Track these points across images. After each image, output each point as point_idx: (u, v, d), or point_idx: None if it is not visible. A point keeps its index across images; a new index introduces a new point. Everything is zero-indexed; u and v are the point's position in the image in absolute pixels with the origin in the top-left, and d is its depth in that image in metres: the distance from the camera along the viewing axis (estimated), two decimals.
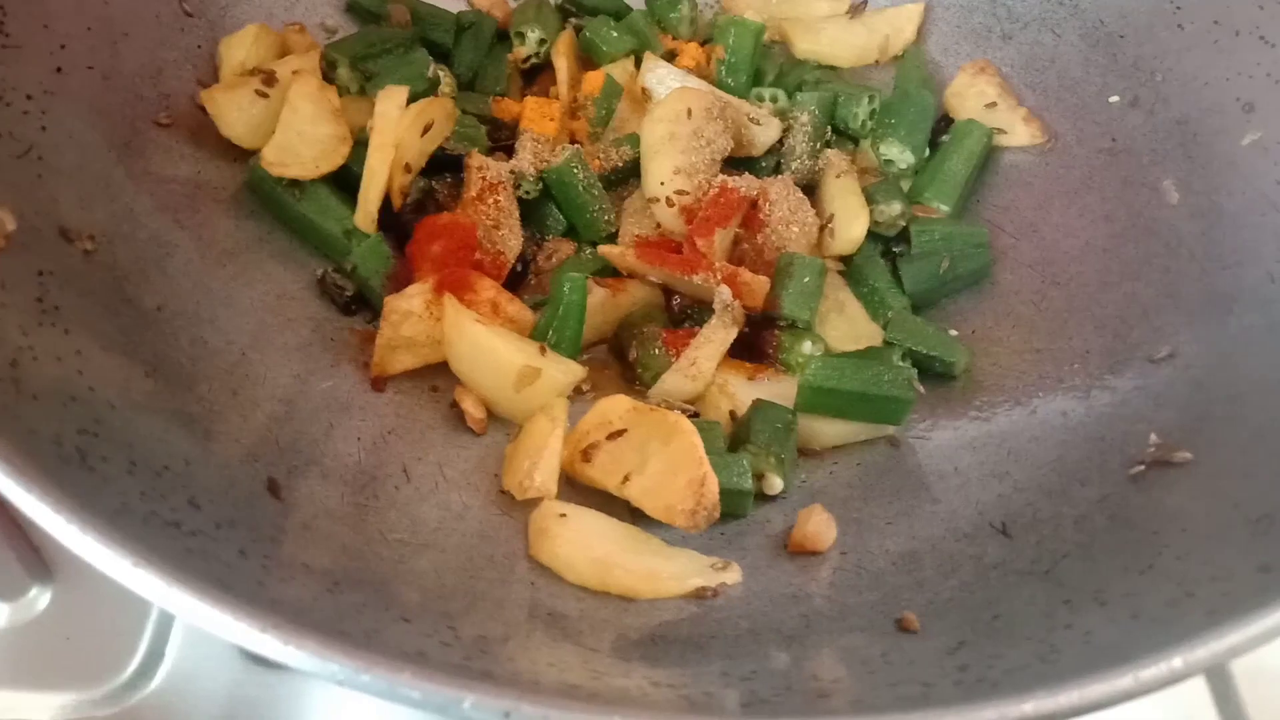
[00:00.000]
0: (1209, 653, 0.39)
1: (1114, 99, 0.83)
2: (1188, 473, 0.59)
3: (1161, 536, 0.53)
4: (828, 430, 0.71)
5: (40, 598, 0.76)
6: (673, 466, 0.63)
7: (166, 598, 0.38)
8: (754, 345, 0.77)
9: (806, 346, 0.75)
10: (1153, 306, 0.72)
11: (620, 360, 0.78)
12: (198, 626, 0.40)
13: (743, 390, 0.73)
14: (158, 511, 0.46)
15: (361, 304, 0.76)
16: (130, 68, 0.74)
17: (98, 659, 0.73)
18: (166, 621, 0.75)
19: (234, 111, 0.76)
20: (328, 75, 0.83)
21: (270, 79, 0.78)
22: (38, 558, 0.77)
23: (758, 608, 0.57)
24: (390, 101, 0.77)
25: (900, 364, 0.72)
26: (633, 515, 0.65)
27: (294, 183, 0.76)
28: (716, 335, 0.74)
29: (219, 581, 0.40)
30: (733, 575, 0.60)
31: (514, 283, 0.79)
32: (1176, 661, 0.38)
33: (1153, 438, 0.63)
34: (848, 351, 0.75)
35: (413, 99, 0.78)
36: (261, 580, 0.45)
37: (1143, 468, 0.61)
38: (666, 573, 0.59)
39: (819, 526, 0.63)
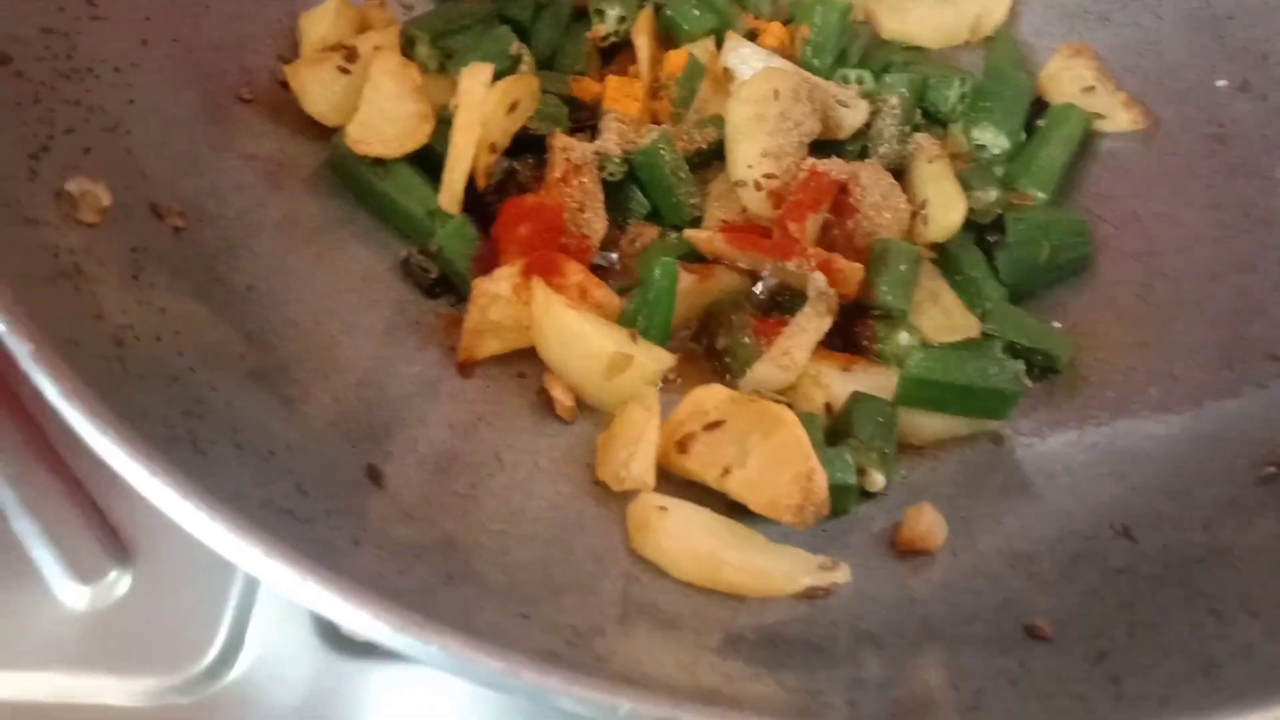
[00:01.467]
0: None
1: (1221, 83, 0.80)
2: None
3: None
4: (929, 425, 0.69)
5: (120, 581, 0.74)
6: (777, 460, 0.61)
7: (300, 591, 0.36)
8: (846, 334, 0.75)
9: (903, 337, 0.73)
10: (1269, 300, 0.70)
11: (706, 348, 0.76)
12: (317, 612, 0.38)
13: (837, 382, 0.71)
14: (272, 498, 0.45)
15: (446, 286, 0.74)
16: (212, 41, 0.73)
17: (177, 645, 0.72)
18: (246, 608, 0.73)
19: (317, 87, 0.74)
20: (406, 52, 0.81)
21: (352, 54, 0.76)
22: (116, 540, 0.76)
23: (872, 609, 0.55)
24: (475, 79, 0.75)
25: (1004, 356, 0.69)
26: (731, 509, 0.63)
27: (377, 161, 0.74)
28: (810, 324, 0.71)
29: (345, 572, 0.38)
30: (842, 574, 0.57)
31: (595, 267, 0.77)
32: None
33: None
34: (948, 343, 0.72)
35: (496, 77, 0.76)
36: (380, 571, 0.44)
37: (1273, 470, 0.58)
38: (776, 571, 0.56)
39: (930, 525, 0.60)
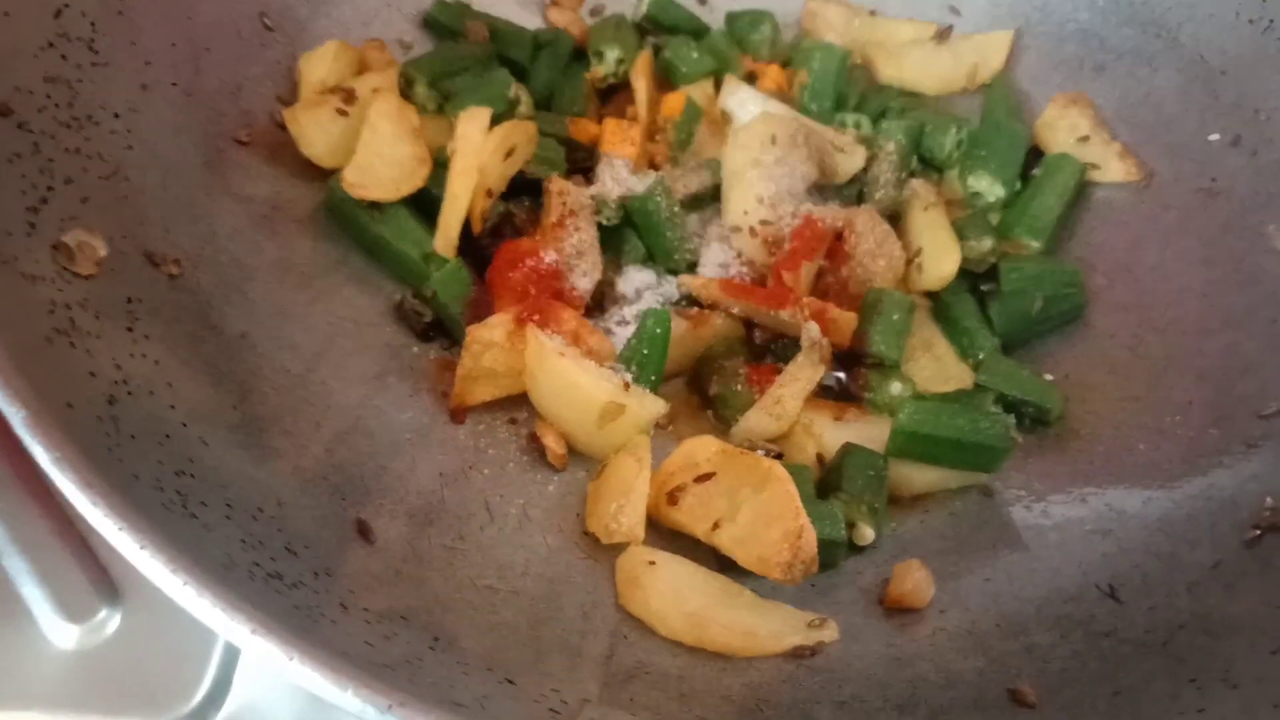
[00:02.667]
0: None
1: (1214, 137, 0.81)
2: None
3: None
4: (919, 477, 0.69)
5: (110, 620, 0.74)
6: (767, 516, 0.61)
7: (287, 668, 0.37)
8: (839, 384, 0.75)
9: (895, 387, 0.73)
10: (1258, 359, 0.70)
11: (700, 395, 0.76)
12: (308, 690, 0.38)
13: (829, 432, 0.71)
14: (260, 563, 0.45)
15: (440, 330, 0.74)
16: (212, 84, 0.73)
17: (165, 685, 0.72)
18: (234, 648, 0.74)
19: (315, 130, 0.75)
20: (405, 93, 0.81)
21: (350, 97, 0.77)
22: (106, 578, 0.76)
23: (859, 670, 0.55)
24: (473, 124, 0.75)
25: (995, 410, 0.69)
26: (719, 562, 0.63)
27: (373, 204, 0.74)
28: (803, 373, 0.72)
29: (332, 645, 0.38)
30: (830, 633, 0.58)
31: (591, 309, 0.77)
32: None
33: (1268, 501, 0.60)
34: (940, 394, 0.72)
35: (493, 120, 0.77)
36: (368, 639, 0.44)
37: (1258, 533, 0.59)
38: (764, 630, 0.57)
39: (918, 583, 0.60)
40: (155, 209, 0.64)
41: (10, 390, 0.42)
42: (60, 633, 0.73)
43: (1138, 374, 0.74)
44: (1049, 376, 0.75)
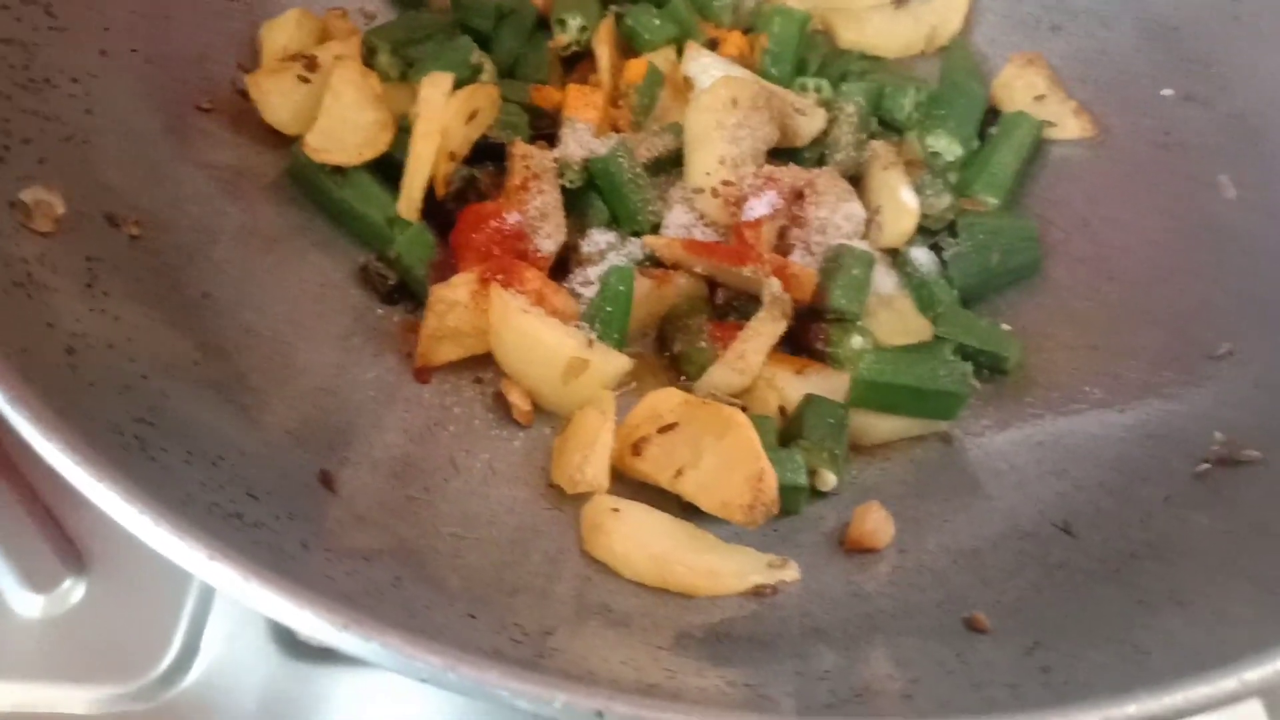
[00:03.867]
0: None
1: (1168, 92, 0.82)
2: (1257, 472, 0.57)
3: (1235, 536, 0.52)
4: (880, 426, 0.70)
5: (75, 589, 0.75)
6: (728, 461, 0.62)
7: (243, 591, 0.37)
8: (800, 339, 0.76)
9: (856, 341, 0.74)
10: (1211, 303, 0.71)
11: (664, 354, 0.77)
12: (263, 614, 0.39)
13: (791, 385, 0.72)
14: (219, 503, 0.45)
15: (404, 293, 0.75)
16: (173, 51, 0.73)
17: (133, 652, 0.72)
18: (202, 615, 0.74)
19: (277, 97, 0.75)
20: (368, 61, 0.81)
21: (312, 64, 0.77)
22: (72, 548, 0.76)
23: (819, 606, 0.56)
24: (435, 88, 0.76)
25: (953, 359, 0.71)
26: (684, 510, 0.64)
27: (336, 169, 0.74)
28: (765, 328, 0.73)
29: (291, 574, 0.39)
30: (791, 573, 0.59)
31: (555, 273, 0.78)
32: None
33: (1217, 435, 0.61)
34: (899, 346, 0.73)
35: (456, 86, 0.77)
36: (328, 573, 0.44)
37: (1208, 466, 0.60)
38: (726, 570, 0.57)
39: (877, 523, 0.61)
40: (116, 172, 0.64)
41: None
42: (25, 602, 0.73)
43: (1094, 322, 0.75)
44: (1006, 327, 0.76)
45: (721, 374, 0.71)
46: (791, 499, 0.63)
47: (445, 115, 0.75)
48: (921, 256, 0.79)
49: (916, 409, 0.69)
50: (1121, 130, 0.83)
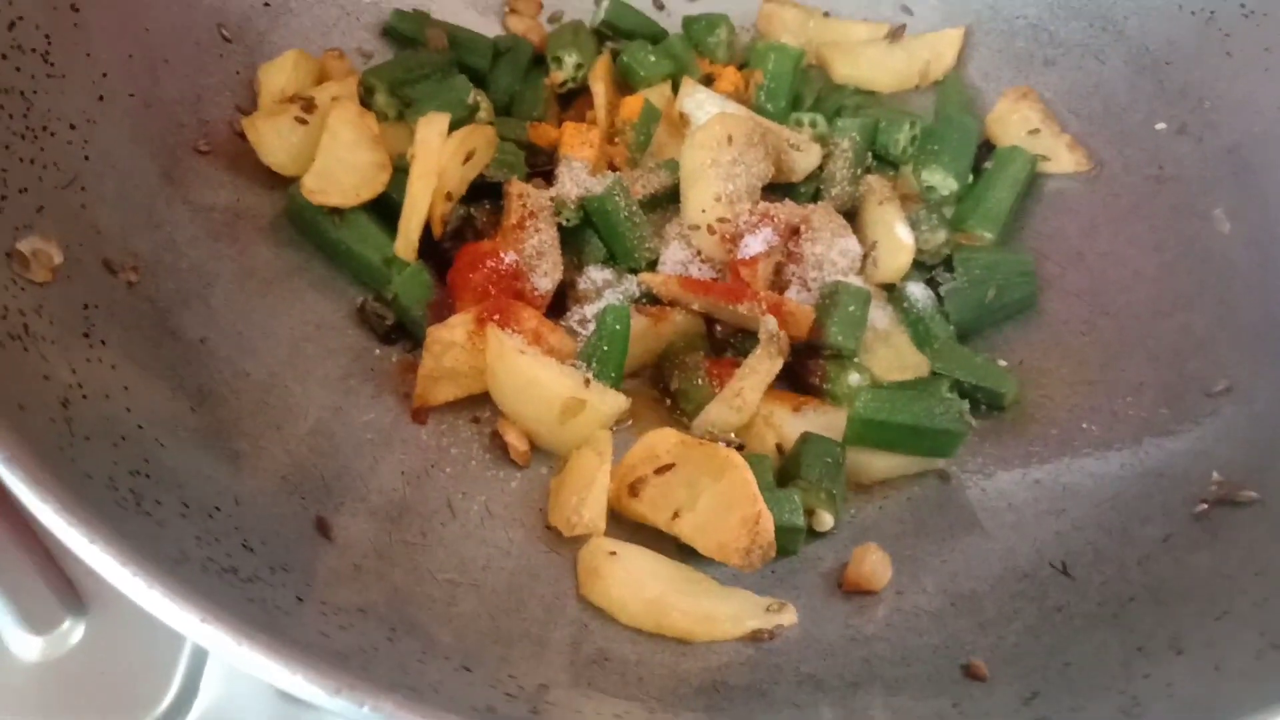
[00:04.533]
0: None
1: (1161, 126, 0.82)
2: (1256, 513, 0.57)
3: (1235, 581, 0.52)
4: (877, 464, 0.70)
5: (74, 631, 0.74)
6: (725, 503, 0.62)
7: (236, 655, 0.37)
8: (797, 375, 0.76)
9: (853, 378, 0.74)
10: (1208, 338, 0.71)
11: (661, 390, 0.77)
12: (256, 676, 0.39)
13: (788, 423, 0.72)
14: (214, 558, 0.45)
15: (402, 333, 0.75)
16: (170, 95, 0.74)
17: (132, 693, 0.72)
18: (201, 656, 0.74)
19: (274, 138, 0.75)
20: (365, 101, 0.82)
21: (309, 106, 0.77)
22: (71, 590, 0.76)
23: (816, 651, 0.56)
24: (432, 129, 0.76)
25: (950, 396, 0.71)
26: (681, 552, 0.63)
27: (333, 210, 0.75)
28: (762, 366, 0.73)
29: (284, 634, 0.38)
30: (789, 617, 0.58)
31: (552, 310, 0.78)
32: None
33: (1215, 475, 0.61)
34: (896, 382, 0.73)
35: (453, 126, 0.78)
36: (323, 629, 0.44)
37: (1206, 506, 0.60)
38: (723, 615, 0.57)
39: (875, 565, 0.61)
40: (113, 218, 0.65)
41: None
42: (24, 644, 0.73)
43: (1091, 357, 0.75)
44: (1003, 363, 0.76)
45: (719, 411, 0.71)
46: (789, 540, 0.63)
47: (442, 156, 0.75)
48: (918, 292, 0.79)
49: (914, 447, 0.69)
50: (1115, 164, 0.84)
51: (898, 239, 0.79)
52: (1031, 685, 0.48)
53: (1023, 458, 0.70)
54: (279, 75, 0.79)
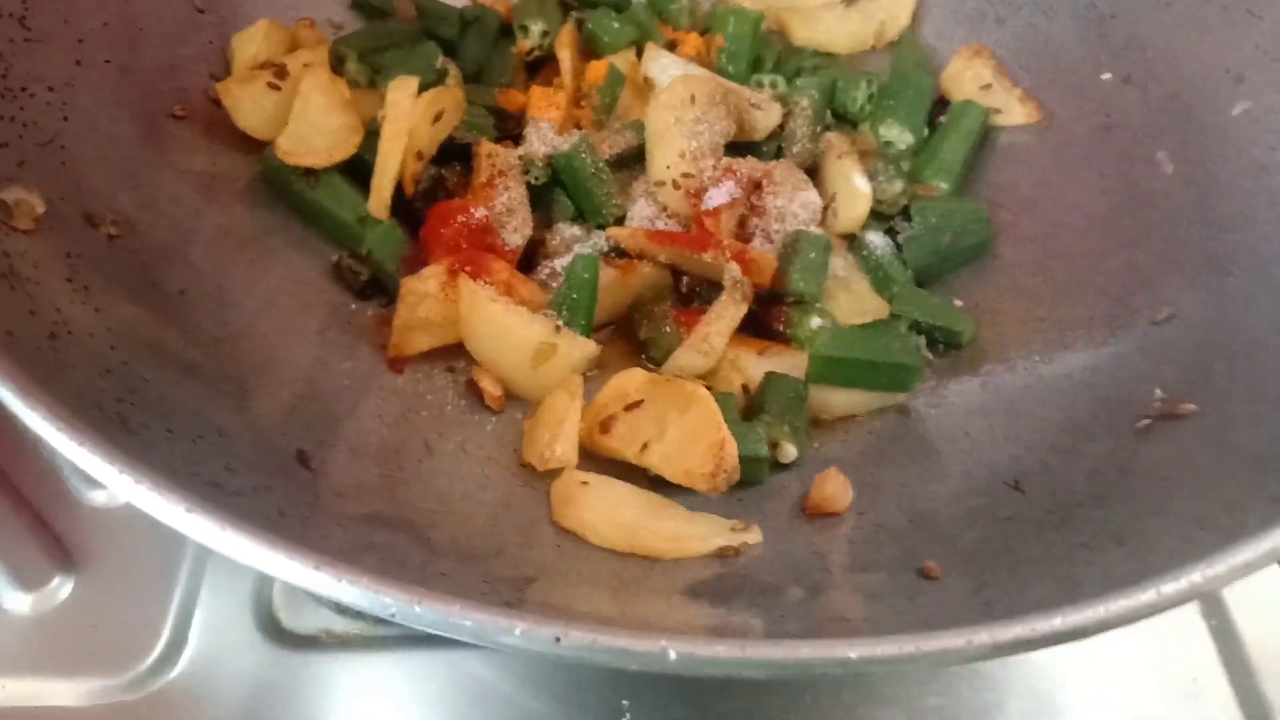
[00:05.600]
0: (1227, 567, 0.40)
1: (1107, 76, 0.86)
2: (1193, 424, 0.60)
3: (1172, 482, 0.55)
4: (839, 400, 0.73)
5: (63, 587, 0.76)
6: (691, 433, 0.64)
7: (220, 540, 0.39)
8: (761, 322, 0.78)
9: (815, 321, 0.77)
10: (1153, 272, 0.74)
11: (630, 342, 0.79)
12: (240, 561, 0.41)
13: (754, 365, 0.74)
14: (199, 473, 0.47)
15: (377, 288, 0.77)
16: (146, 62, 0.76)
17: (122, 645, 0.74)
18: (189, 608, 0.76)
19: (248, 103, 0.78)
20: (336, 69, 0.84)
21: (282, 72, 0.80)
22: (59, 548, 0.78)
23: (781, 565, 0.58)
24: (402, 91, 0.78)
25: (907, 334, 0.73)
26: (652, 485, 0.66)
27: (308, 171, 0.77)
28: (727, 311, 0.75)
29: (269, 529, 0.41)
30: (754, 535, 0.61)
31: (523, 268, 0.80)
32: (1196, 576, 0.40)
33: (1158, 393, 0.64)
34: (857, 324, 0.76)
35: (422, 90, 0.80)
36: (303, 535, 0.46)
37: (1149, 421, 0.63)
38: (691, 534, 0.60)
39: (836, 488, 0.64)
40: (93, 176, 0.67)
41: None
42: (15, 601, 0.75)
43: (1044, 297, 0.78)
44: (959, 303, 0.79)
45: (686, 356, 0.74)
46: (753, 469, 0.66)
47: (412, 116, 0.77)
48: (877, 240, 0.82)
49: (873, 382, 0.72)
50: (1065, 114, 0.87)
51: (856, 189, 0.82)
52: (981, 580, 0.51)
53: (979, 391, 0.73)
54: (251, 43, 0.81)
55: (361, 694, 0.72)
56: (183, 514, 0.40)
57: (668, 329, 0.77)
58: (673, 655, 0.36)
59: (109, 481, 0.41)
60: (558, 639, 0.37)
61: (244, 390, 0.63)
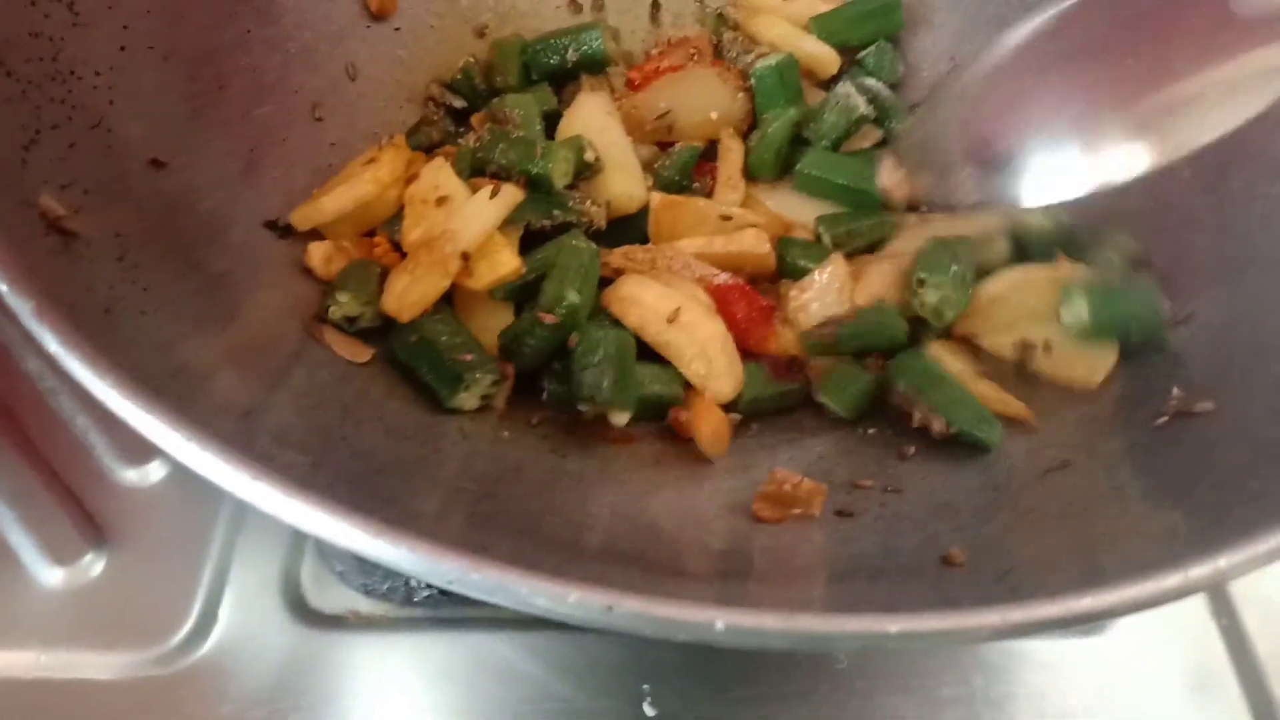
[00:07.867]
0: (1252, 554, 0.42)
1: None
2: (1213, 420, 0.62)
3: (1195, 472, 0.57)
4: None
5: (95, 563, 0.78)
6: None
7: (285, 507, 0.41)
8: None
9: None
10: (1169, 276, 0.76)
11: None
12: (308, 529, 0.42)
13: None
14: (252, 446, 0.49)
15: None
16: (188, 48, 0.77)
17: (153, 621, 0.75)
18: (219, 585, 0.77)
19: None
20: None
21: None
22: (91, 524, 0.79)
23: (805, 550, 0.60)
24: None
25: None
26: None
27: None
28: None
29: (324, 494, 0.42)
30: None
31: None
32: (1222, 562, 0.41)
33: (1175, 391, 0.66)
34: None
35: None
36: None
37: (1166, 419, 0.64)
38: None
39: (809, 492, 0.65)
40: (137, 160, 0.68)
41: (19, 286, 0.46)
42: (49, 575, 0.77)
43: None
44: None
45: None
46: None
47: None
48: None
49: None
50: None
51: None
52: (1005, 566, 0.52)
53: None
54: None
55: (386, 673, 0.74)
56: (248, 481, 0.41)
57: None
58: (720, 626, 0.38)
59: (173, 450, 0.42)
60: (610, 608, 0.38)
61: (282, 370, 0.64)
